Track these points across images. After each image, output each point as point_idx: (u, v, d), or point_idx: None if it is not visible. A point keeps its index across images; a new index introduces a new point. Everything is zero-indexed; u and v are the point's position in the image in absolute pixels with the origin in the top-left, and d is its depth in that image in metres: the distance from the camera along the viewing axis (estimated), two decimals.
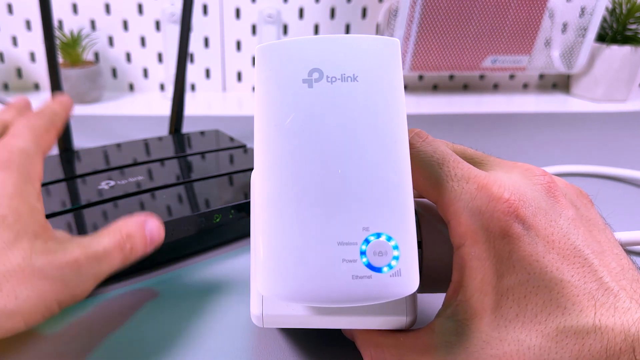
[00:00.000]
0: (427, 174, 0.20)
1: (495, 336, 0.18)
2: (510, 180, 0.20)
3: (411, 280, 0.18)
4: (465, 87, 0.89)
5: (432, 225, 0.22)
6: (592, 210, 0.21)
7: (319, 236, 0.17)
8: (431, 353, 0.19)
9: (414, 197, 0.25)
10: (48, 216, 0.31)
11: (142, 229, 0.25)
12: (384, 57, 0.19)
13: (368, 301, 0.17)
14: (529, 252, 0.18)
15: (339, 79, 0.19)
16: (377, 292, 0.17)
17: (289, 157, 0.18)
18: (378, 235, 0.17)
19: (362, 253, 0.17)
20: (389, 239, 0.17)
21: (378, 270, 0.17)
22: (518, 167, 0.21)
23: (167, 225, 0.32)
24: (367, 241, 0.17)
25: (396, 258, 0.17)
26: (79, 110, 0.71)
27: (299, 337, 0.26)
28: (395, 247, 0.17)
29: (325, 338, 0.26)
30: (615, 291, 0.17)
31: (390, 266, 0.17)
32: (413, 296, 0.21)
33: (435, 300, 0.22)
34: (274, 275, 0.18)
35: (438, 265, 0.22)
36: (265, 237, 0.18)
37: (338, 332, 0.25)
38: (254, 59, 0.83)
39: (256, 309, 0.21)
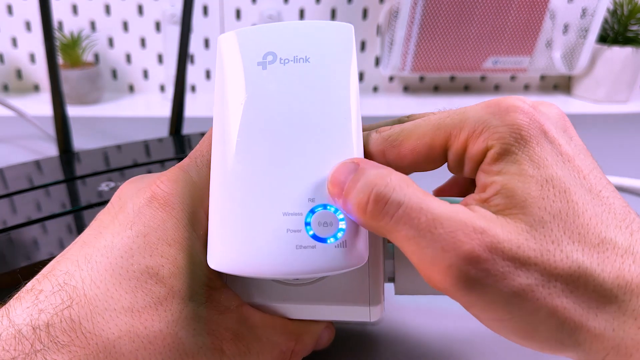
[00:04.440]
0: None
1: (539, 231, 0.16)
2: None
3: (358, 252, 0.18)
4: (467, 89, 0.89)
5: None
6: (579, 140, 0.19)
7: (264, 207, 0.18)
8: (469, 219, 0.16)
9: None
10: (47, 218, 0.31)
11: (315, 335, 0.22)
12: (336, 40, 0.20)
13: (312, 272, 0.17)
14: (561, 150, 0.17)
15: (291, 61, 0.19)
16: (322, 262, 0.17)
17: (239, 133, 0.19)
18: (324, 206, 0.18)
19: (307, 224, 0.17)
20: (336, 211, 0.18)
21: (323, 240, 0.17)
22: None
23: None
24: (312, 212, 0.17)
25: (342, 230, 0.17)
26: (79, 111, 0.71)
27: None
28: (342, 220, 0.17)
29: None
30: None
31: (335, 237, 0.17)
32: (377, 285, 0.21)
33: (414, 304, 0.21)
34: (219, 248, 0.18)
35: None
36: (213, 210, 0.18)
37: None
38: None
39: None
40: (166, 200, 0.19)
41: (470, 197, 0.18)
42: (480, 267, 0.15)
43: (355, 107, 0.19)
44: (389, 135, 0.19)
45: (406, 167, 0.20)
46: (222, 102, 0.20)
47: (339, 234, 0.17)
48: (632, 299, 0.15)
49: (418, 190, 0.16)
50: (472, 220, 0.16)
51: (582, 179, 0.17)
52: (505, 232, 0.16)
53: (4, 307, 0.18)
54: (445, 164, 0.20)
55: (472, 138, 0.18)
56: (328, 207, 0.18)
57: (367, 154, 0.20)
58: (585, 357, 0.16)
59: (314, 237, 0.17)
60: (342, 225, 0.17)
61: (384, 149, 0.19)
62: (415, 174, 0.21)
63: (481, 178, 0.18)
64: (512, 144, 0.17)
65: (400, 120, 0.21)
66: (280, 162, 0.18)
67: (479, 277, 0.15)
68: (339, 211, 0.18)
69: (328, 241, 0.17)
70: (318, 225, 0.17)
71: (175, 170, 0.21)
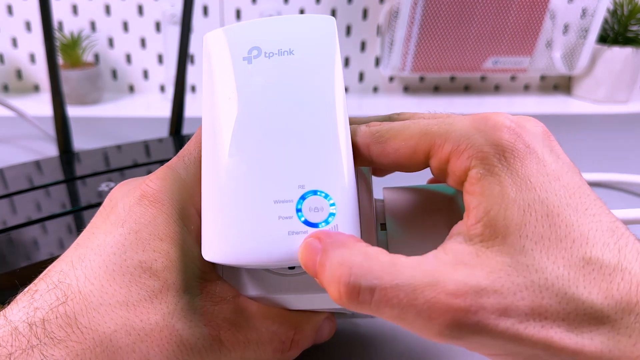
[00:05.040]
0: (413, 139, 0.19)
1: (521, 261, 0.15)
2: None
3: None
4: (467, 89, 0.89)
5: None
6: (566, 157, 0.18)
7: (255, 196, 0.18)
8: (446, 275, 0.15)
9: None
10: (47, 218, 0.31)
11: (315, 325, 0.22)
12: (319, 32, 0.20)
13: None
14: (547, 170, 0.17)
15: (276, 54, 0.20)
16: None
17: (228, 127, 0.19)
18: (314, 192, 0.18)
19: (298, 210, 0.18)
20: (326, 196, 0.18)
21: (315, 225, 0.18)
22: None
23: None
24: (302, 198, 0.18)
25: (333, 215, 0.18)
26: (79, 111, 0.71)
27: None
28: (332, 205, 0.18)
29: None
30: (633, 239, 0.16)
31: (327, 222, 0.18)
32: None
33: None
34: (212, 239, 0.18)
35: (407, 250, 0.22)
36: (206, 203, 0.19)
37: None
38: None
39: None
40: (156, 197, 0.20)
41: (458, 225, 0.18)
42: (470, 323, 0.15)
43: (341, 96, 0.19)
44: (377, 131, 0.19)
45: (388, 165, 0.20)
46: (210, 99, 0.20)
47: (330, 219, 0.18)
48: (623, 317, 0.15)
49: (385, 262, 0.16)
50: (450, 276, 0.15)
51: (569, 198, 0.16)
52: (485, 273, 0.15)
53: (1, 310, 0.18)
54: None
55: (455, 153, 0.18)
56: (318, 193, 0.18)
57: (354, 145, 0.20)
58: None
59: (306, 222, 0.17)
60: (333, 210, 0.18)
61: (370, 143, 0.19)
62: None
63: (467, 200, 0.18)
64: (495, 165, 0.17)
65: (391, 118, 0.21)
66: (269, 152, 0.18)
67: (471, 331, 0.15)
68: (330, 196, 0.18)
69: (320, 226, 0.18)
70: (309, 210, 0.18)
71: (163, 169, 0.21)
